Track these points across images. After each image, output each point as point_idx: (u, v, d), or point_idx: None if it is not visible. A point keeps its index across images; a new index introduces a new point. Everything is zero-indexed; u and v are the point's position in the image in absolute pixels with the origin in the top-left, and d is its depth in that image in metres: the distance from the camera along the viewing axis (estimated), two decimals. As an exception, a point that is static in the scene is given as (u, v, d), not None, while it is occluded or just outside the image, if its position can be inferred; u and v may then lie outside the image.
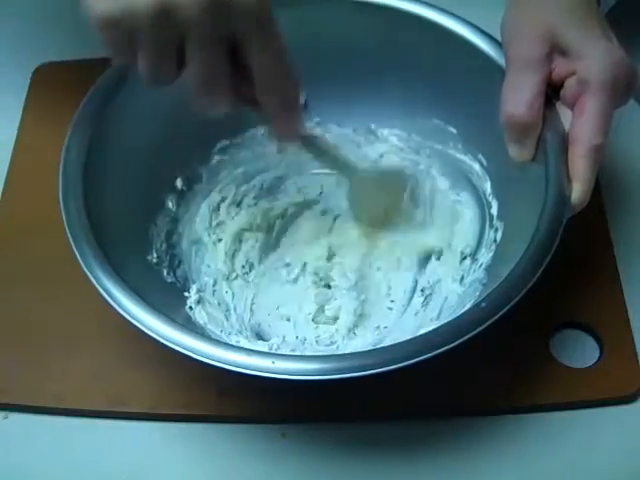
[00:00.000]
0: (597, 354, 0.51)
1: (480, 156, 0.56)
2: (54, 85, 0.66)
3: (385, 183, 0.56)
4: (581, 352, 0.52)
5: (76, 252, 0.45)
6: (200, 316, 0.51)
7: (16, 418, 0.51)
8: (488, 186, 0.55)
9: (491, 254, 0.52)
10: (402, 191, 0.57)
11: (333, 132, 0.60)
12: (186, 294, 0.53)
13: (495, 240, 0.52)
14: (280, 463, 0.48)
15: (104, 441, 0.50)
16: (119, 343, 0.51)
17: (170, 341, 0.42)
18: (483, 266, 0.52)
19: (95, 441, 0.50)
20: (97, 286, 0.43)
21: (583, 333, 0.52)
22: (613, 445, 0.49)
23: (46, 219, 0.56)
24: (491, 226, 0.54)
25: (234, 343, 0.48)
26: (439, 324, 0.43)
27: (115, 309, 0.43)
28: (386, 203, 0.57)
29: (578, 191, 0.45)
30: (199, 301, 0.52)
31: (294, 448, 0.49)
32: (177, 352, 0.41)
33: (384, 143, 0.60)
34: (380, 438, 0.49)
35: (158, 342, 0.42)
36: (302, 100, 0.59)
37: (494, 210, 0.54)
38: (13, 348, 0.53)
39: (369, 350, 0.45)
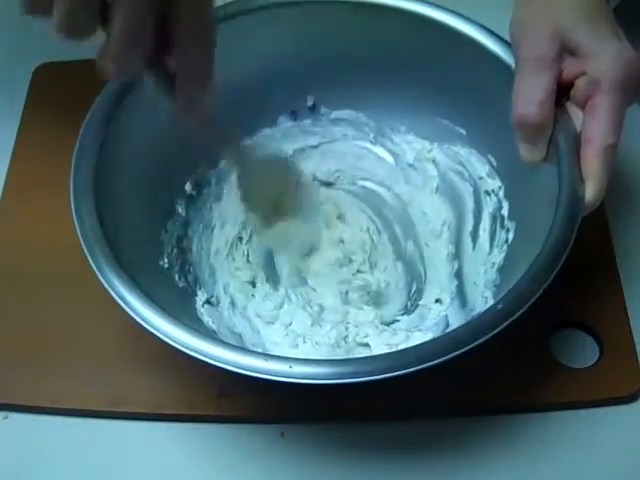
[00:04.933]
0: (597, 354, 0.51)
1: (490, 157, 0.55)
2: (54, 85, 0.66)
3: (273, 169, 0.55)
4: (581, 352, 0.52)
5: (89, 257, 0.44)
6: (210, 320, 0.51)
7: (16, 418, 0.51)
8: (498, 187, 0.55)
9: (503, 255, 0.52)
10: (289, 180, 0.56)
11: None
12: (197, 299, 0.53)
13: (507, 241, 0.52)
14: (279, 463, 0.48)
15: (104, 441, 0.50)
16: (119, 343, 0.51)
17: (186, 347, 0.41)
18: (495, 267, 0.52)
19: (95, 441, 0.50)
20: (114, 295, 0.43)
21: (583, 333, 0.52)
22: (613, 445, 0.49)
23: (46, 218, 0.57)
24: (502, 227, 0.54)
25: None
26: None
27: (136, 321, 0.42)
28: (275, 190, 0.56)
29: (592, 191, 0.45)
30: (210, 304, 0.53)
31: (293, 448, 0.49)
32: (196, 359, 0.41)
33: (392, 144, 0.60)
34: (379, 438, 0.49)
35: (179, 350, 0.41)
36: (310, 102, 0.59)
37: (505, 211, 0.54)
38: (13, 348, 0.53)
39: (386, 353, 0.44)
